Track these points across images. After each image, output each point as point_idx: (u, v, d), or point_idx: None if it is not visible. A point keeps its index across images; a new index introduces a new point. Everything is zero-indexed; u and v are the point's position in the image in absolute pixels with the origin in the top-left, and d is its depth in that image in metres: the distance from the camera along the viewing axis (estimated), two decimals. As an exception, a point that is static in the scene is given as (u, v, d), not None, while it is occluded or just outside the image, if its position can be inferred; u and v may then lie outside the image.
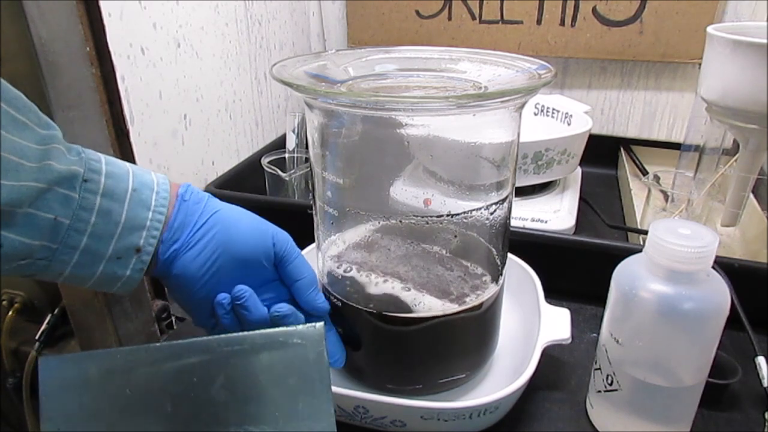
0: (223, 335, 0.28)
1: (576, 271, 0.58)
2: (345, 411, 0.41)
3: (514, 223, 0.66)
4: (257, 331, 0.29)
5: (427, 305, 0.41)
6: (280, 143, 0.82)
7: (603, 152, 0.90)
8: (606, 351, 0.40)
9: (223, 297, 0.36)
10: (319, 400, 0.27)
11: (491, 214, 0.42)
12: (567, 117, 0.81)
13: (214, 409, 0.27)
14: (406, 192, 0.40)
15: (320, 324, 0.28)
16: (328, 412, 0.27)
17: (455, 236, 0.44)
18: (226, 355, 0.28)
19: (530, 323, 0.49)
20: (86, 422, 0.26)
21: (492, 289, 0.43)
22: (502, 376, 0.47)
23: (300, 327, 0.28)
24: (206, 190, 0.69)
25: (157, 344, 0.28)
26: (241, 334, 0.28)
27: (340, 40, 1.01)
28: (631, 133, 0.93)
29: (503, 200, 0.42)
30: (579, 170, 0.81)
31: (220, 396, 0.27)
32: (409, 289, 0.42)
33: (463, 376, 0.45)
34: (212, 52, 0.69)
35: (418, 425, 0.40)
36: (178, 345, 0.28)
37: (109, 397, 0.27)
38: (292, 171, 0.74)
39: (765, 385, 0.44)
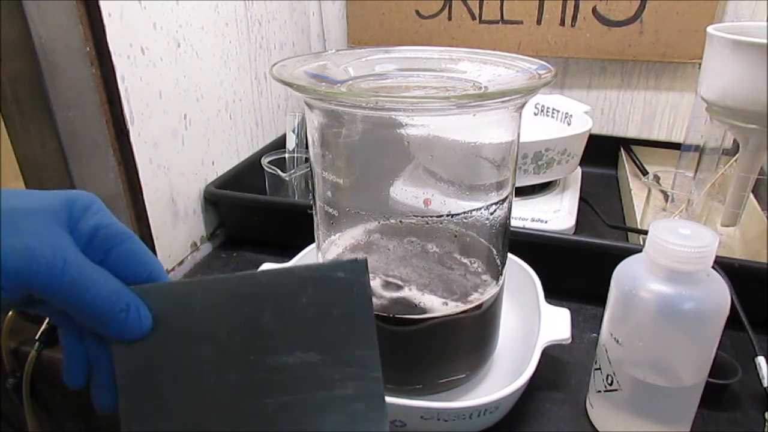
0: (270, 269, 0.29)
1: (576, 271, 0.58)
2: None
3: (514, 223, 0.66)
4: (302, 265, 0.30)
5: (427, 305, 0.41)
6: (280, 143, 0.82)
7: (603, 152, 0.90)
8: (606, 351, 0.40)
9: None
10: (362, 329, 0.29)
11: (491, 214, 0.42)
12: (567, 117, 0.81)
13: (264, 337, 0.28)
14: (406, 192, 0.40)
15: (363, 257, 0.29)
16: (372, 341, 0.29)
17: (455, 236, 0.44)
18: (273, 287, 0.29)
19: (530, 323, 0.49)
20: (157, 353, 0.28)
21: (492, 289, 0.43)
22: (502, 376, 0.47)
23: (344, 261, 0.29)
24: (206, 190, 0.69)
25: (209, 277, 0.29)
26: (287, 268, 0.29)
27: (340, 40, 1.01)
28: (631, 133, 0.93)
29: (503, 200, 0.42)
30: (579, 170, 0.81)
31: (270, 325, 0.28)
32: (410, 289, 0.42)
33: (463, 376, 0.45)
34: (212, 52, 0.69)
35: (418, 425, 0.40)
36: (227, 278, 0.29)
37: (173, 327, 0.28)
38: (292, 171, 0.74)
39: (765, 385, 0.44)
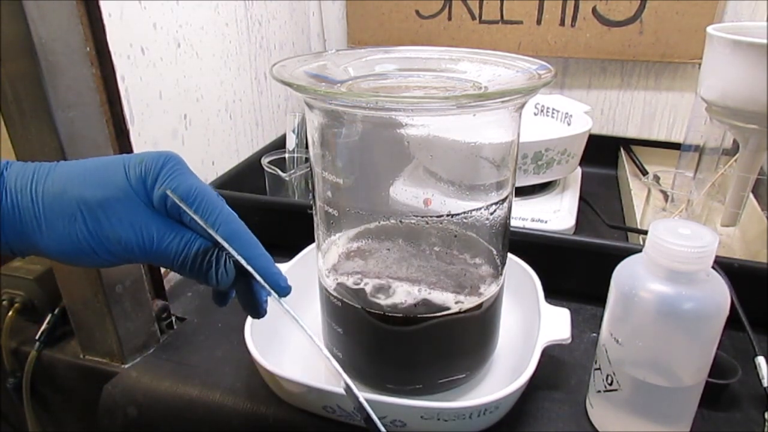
0: None
1: (576, 271, 0.58)
2: (345, 411, 0.41)
3: (514, 223, 0.66)
4: None
5: (427, 305, 0.41)
6: (280, 143, 0.82)
7: (603, 152, 0.90)
8: (606, 351, 0.40)
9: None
10: None
11: (491, 214, 0.42)
12: (567, 117, 0.81)
13: None
14: (406, 192, 0.40)
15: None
16: None
17: (455, 236, 0.44)
18: None
19: (530, 323, 0.49)
20: None
21: (492, 289, 0.43)
22: (502, 376, 0.47)
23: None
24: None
25: None
26: None
27: (340, 40, 1.01)
28: (631, 133, 0.93)
29: (503, 200, 0.42)
30: (579, 170, 0.81)
31: None
32: (408, 289, 0.42)
33: (463, 376, 0.45)
34: (212, 52, 0.69)
35: (418, 425, 0.40)
36: None
37: None
38: (292, 171, 0.74)
39: (765, 385, 0.44)
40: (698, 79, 0.59)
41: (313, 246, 0.54)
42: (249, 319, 0.46)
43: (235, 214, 0.33)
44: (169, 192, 0.31)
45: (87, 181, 0.30)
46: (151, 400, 0.48)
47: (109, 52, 0.45)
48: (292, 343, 0.50)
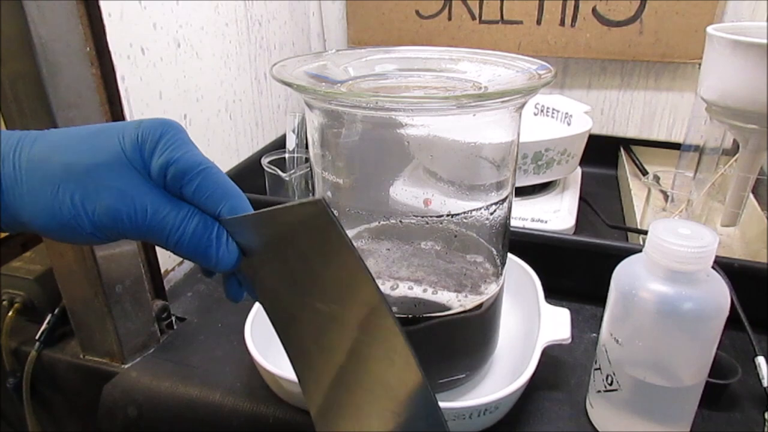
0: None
1: (576, 271, 0.58)
2: (345, 411, 0.41)
3: (514, 223, 0.66)
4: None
5: (427, 305, 0.41)
6: (280, 143, 0.82)
7: (603, 152, 0.90)
8: (606, 351, 0.40)
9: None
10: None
11: (491, 214, 0.42)
12: (567, 117, 0.81)
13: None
14: (406, 192, 0.40)
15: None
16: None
17: (455, 236, 0.44)
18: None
19: (530, 323, 0.49)
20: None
21: (492, 289, 0.43)
22: (502, 376, 0.47)
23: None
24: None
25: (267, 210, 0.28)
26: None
27: (340, 40, 1.01)
28: (631, 133, 0.93)
29: (503, 200, 0.42)
30: (579, 170, 0.81)
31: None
32: (410, 289, 0.42)
33: (463, 376, 0.45)
34: (212, 52, 0.69)
35: (418, 425, 0.40)
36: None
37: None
38: (292, 171, 0.74)
39: (765, 385, 0.44)
40: (698, 79, 0.59)
41: (313, 246, 0.53)
42: (249, 319, 0.46)
43: (241, 192, 0.30)
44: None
45: (75, 147, 0.27)
46: (151, 400, 0.48)
47: (109, 52, 0.45)
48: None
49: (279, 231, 0.28)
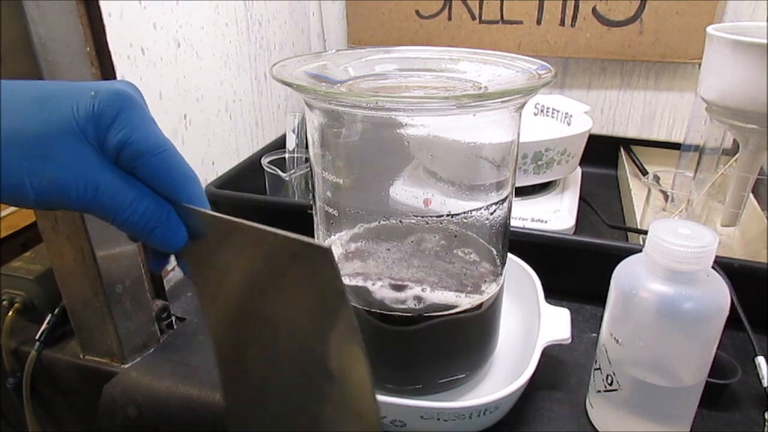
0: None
1: (576, 271, 0.58)
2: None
3: (514, 223, 0.66)
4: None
5: (427, 305, 0.41)
6: (280, 143, 0.82)
7: (603, 152, 0.90)
8: (606, 351, 0.40)
9: None
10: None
11: (491, 214, 0.42)
12: (567, 117, 0.81)
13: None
14: (406, 192, 0.40)
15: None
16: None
17: (455, 236, 0.44)
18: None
19: (530, 323, 0.49)
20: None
21: (492, 289, 0.43)
22: (502, 376, 0.47)
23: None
24: (206, 190, 0.69)
25: (240, 222, 0.27)
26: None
27: (340, 40, 1.01)
28: (631, 133, 0.93)
29: (503, 200, 0.42)
30: (579, 170, 0.81)
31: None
32: (410, 289, 0.42)
33: (463, 376, 0.45)
34: (212, 52, 0.69)
35: (418, 425, 0.40)
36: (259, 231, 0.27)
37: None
38: (292, 171, 0.74)
39: (765, 385, 0.44)
40: (698, 79, 0.59)
41: (313, 246, 0.53)
42: (249, 319, 0.46)
43: (196, 175, 0.29)
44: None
45: (23, 111, 0.25)
46: (151, 400, 0.48)
47: (109, 52, 0.45)
48: (292, 343, 0.50)
49: (261, 251, 0.27)
